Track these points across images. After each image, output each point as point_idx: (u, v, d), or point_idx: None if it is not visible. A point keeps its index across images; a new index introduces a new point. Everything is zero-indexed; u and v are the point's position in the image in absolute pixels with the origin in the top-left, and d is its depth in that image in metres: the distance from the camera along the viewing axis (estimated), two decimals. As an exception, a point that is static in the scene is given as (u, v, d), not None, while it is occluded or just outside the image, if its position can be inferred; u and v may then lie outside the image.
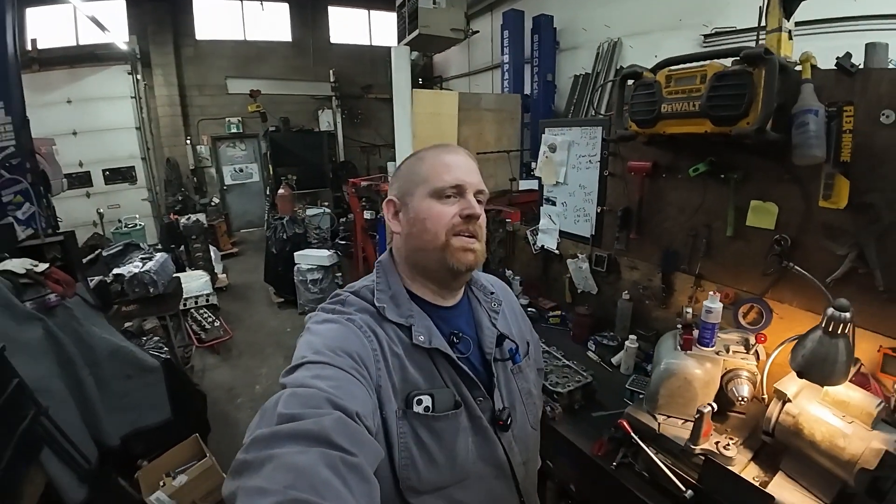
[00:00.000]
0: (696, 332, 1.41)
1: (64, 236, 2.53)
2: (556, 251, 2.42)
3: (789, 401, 1.13)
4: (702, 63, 1.41)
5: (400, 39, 6.60)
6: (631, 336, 1.91)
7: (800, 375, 1.08)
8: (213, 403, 3.44)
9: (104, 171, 8.09)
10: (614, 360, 1.98)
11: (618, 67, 5.68)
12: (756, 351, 1.35)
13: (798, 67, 1.32)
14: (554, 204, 2.41)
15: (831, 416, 1.06)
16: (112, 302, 3.09)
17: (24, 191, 3.00)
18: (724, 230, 1.64)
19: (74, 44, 7.75)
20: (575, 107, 6.15)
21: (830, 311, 1.01)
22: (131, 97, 8.05)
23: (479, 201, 0.86)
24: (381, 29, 10.34)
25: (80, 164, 7.72)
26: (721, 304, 1.36)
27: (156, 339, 2.77)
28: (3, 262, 2.08)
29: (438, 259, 0.83)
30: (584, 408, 1.67)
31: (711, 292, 1.40)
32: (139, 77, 8.07)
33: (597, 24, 5.95)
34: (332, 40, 10.02)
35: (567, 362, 1.82)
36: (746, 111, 1.27)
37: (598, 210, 2.15)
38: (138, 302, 3.35)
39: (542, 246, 2.49)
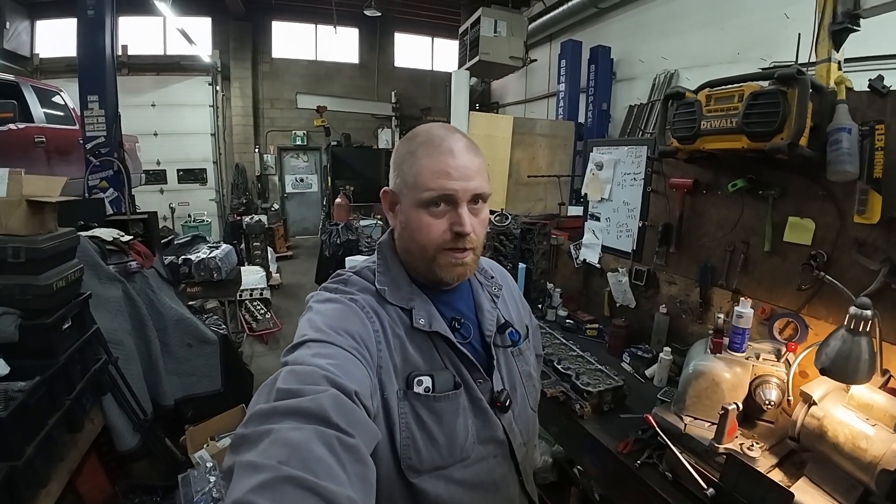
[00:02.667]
0: (726, 339, 1.45)
1: (147, 215, 2.86)
2: (598, 265, 2.48)
3: (815, 403, 1.15)
4: (740, 84, 1.48)
5: (461, 65, 6.93)
6: (666, 348, 1.94)
7: (823, 373, 1.11)
8: (258, 385, 3.66)
9: (178, 170, 8.90)
10: (648, 371, 2.00)
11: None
12: (787, 360, 1.37)
13: (833, 88, 1.38)
14: (598, 220, 2.49)
15: (855, 418, 1.08)
16: (180, 281, 3.41)
17: (109, 177, 3.39)
18: (762, 246, 1.67)
19: (162, 53, 8.69)
20: (629, 136, 6.18)
21: (853, 309, 1.05)
22: (209, 106, 8.88)
23: (477, 201, 0.80)
24: (443, 55, 10.85)
25: (158, 163, 8.52)
26: (752, 311, 1.40)
27: (215, 317, 3.04)
28: (94, 230, 2.40)
29: (427, 268, 0.82)
30: (613, 410, 1.71)
31: (743, 298, 1.44)
32: (218, 88, 8.91)
33: (654, 56, 6.02)
34: (396, 64, 10.62)
35: (600, 366, 1.87)
36: (780, 127, 1.33)
37: (640, 225, 2.21)
38: (202, 285, 3.67)
39: (585, 260, 2.56)
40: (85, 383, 1.90)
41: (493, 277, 0.98)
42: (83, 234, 2.36)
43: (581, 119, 6.73)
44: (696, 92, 1.71)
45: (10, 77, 4.14)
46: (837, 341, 1.07)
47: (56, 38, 7.93)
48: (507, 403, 0.85)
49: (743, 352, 1.40)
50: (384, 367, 0.75)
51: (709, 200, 1.92)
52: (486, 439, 0.82)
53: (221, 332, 2.89)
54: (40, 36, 8.12)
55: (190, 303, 3.44)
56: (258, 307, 4.92)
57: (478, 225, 0.80)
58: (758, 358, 1.37)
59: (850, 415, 1.11)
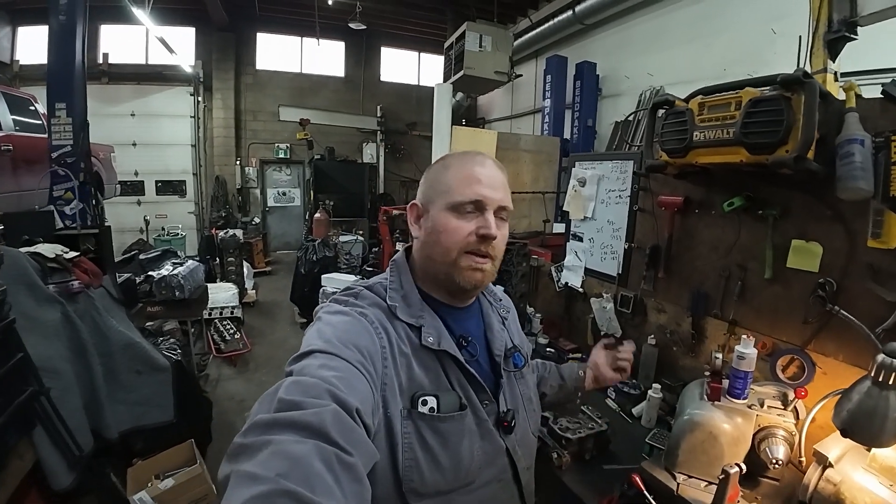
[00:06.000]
0: (725, 382, 1.27)
1: (99, 230, 2.63)
2: (581, 289, 2.31)
3: (830, 466, 0.97)
4: (737, 91, 1.33)
5: (446, 80, 6.83)
6: (655, 385, 1.76)
7: (844, 434, 0.93)
8: (221, 413, 3.41)
9: (157, 182, 8.61)
10: (635, 410, 1.82)
11: (659, 115, 5.64)
12: (795, 407, 1.19)
13: (842, 96, 1.23)
14: (581, 240, 2.32)
15: (878, 484, 0.90)
16: (138, 300, 3.17)
17: (74, 188, 3.19)
18: (761, 272, 1.50)
19: (144, 62, 8.47)
20: (615, 151, 6.11)
21: (881, 357, 0.87)
22: (190, 116, 8.64)
23: (501, 218, 0.85)
24: (430, 70, 10.79)
25: (136, 174, 8.24)
26: (755, 350, 1.22)
27: (172, 340, 2.80)
28: (36, 245, 2.17)
29: (446, 273, 0.83)
30: (596, 458, 1.52)
31: (745, 336, 1.27)
32: (200, 99, 8.68)
33: (640, 72, 5.99)
34: (382, 78, 10.53)
35: (581, 407, 1.69)
36: (784, 138, 1.18)
37: (626, 247, 2.05)
38: (164, 304, 3.42)
39: (566, 283, 2.39)
40: (6, 417, 1.66)
41: (501, 300, 1.01)
42: (24, 249, 2.13)
43: (567, 135, 6.65)
44: (687, 100, 1.56)
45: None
46: (861, 395, 0.90)
47: (38, 45, 7.65)
48: (513, 424, 0.85)
49: (745, 398, 1.22)
50: (389, 384, 0.74)
51: (701, 220, 1.76)
52: (491, 462, 0.82)
53: (176, 357, 2.64)
54: (21, 42, 7.87)
55: (148, 324, 3.20)
56: (228, 327, 4.66)
57: (500, 237, 0.83)
58: (762, 405, 1.19)
59: (871, 480, 0.93)
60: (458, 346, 0.83)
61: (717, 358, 1.32)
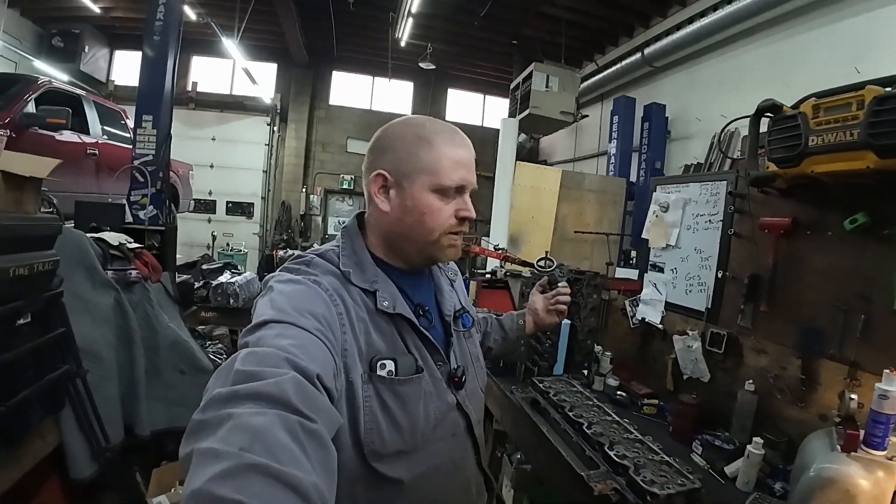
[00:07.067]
0: (862, 432, 1.03)
1: (165, 228, 2.69)
2: (660, 326, 2.04)
3: None
4: (856, 90, 1.15)
5: (508, 118, 6.86)
6: (755, 440, 1.45)
7: None
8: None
9: (228, 202, 9.17)
10: (728, 469, 1.51)
11: (733, 157, 5.33)
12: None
13: None
14: (661, 271, 2.08)
15: None
16: (193, 302, 3.20)
17: (151, 195, 3.35)
18: (889, 303, 1.25)
19: (228, 92, 9.28)
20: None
21: None
22: (265, 144, 9.25)
23: (471, 193, 0.88)
24: (493, 112, 10.97)
25: (210, 193, 8.84)
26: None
27: (220, 345, 2.76)
28: (102, 233, 2.21)
29: (422, 250, 0.85)
30: (685, 522, 1.24)
31: (887, 370, 1.01)
32: (275, 128, 9.32)
33: (711, 114, 5.70)
34: (447, 118, 10.80)
35: (667, 458, 1.42)
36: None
37: (718, 277, 1.79)
38: (217, 310, 3.45)
39: (643, 319, 2.13)
40: (32, 391, 1.62)
41: (448, 264, 1.03)
42: (89, 234, 2.19)
43: (633, 178, 6.40)
44: (794, 106, 1.37)
45: (75, 90, 4.32)
46: None
47: (131, 68, 8.55)
48: (464, 380, 0.89)
49: (884, 449, 0.99)
50: (349, 350, 0.74)
51: (813, 244, 1.51)
52: (444, 417, 0.84)
53: (221, 362, 2.59)
54: (118, 64, 8.83)
55: (199, 327, 3.20)
56: (275, 343, 4.65)
57: None
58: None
59: None
60: (416, 314, 0.84)
61: (851, 399, 1.11)
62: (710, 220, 1.86)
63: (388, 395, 0.76)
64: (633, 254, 6.24)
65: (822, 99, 1.27)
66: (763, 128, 1.48)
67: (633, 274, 5.10)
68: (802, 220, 1.51)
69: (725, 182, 1.79)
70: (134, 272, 2.21)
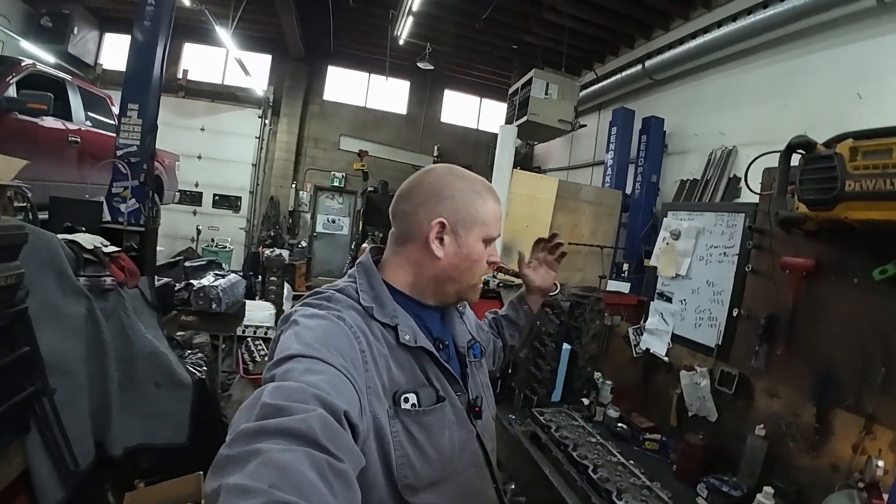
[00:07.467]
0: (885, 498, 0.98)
1: (145, 229, 2.53)
2: (665, 358, 1.96)
3: None
4: None
5: (506, 124, 6.77)
6: (766, 489, 1.39)
7: None
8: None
9: (215, 195, 8.91)
10: (736, 518, 1.44)
11: (731, 176, 5.31)
12: None
13: None
14: (669, 300, 2.00)
15: None
16: (173, 306, 3.04)
17: (133, 188, 3.17)
18: None
19: (220, 82, 8.98)
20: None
21: None
22: (256, 137, 9.01)
23: None
24: (489, 116, 10.88)
25: (196, 185, 8.57)
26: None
27: (199, 355, 2.61)
28: (76, 234, 2.06)
29: (460, 291, 0.91)
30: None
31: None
32: (267, 122, 9.06)
33: (710, 131, 5.72)
34: (443, 119, 10.69)
35: (671, 505, 1.33)
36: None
37: (734, 315, 1.70)
38: (199, 314, 3.29)
39: (647, 349, 2.04)
40: None
41: None
42: (61, 236, 2.03)
43: (628, 190, 6.36)
44: (828, 144, 1.30)
45: (59, 73, 4.10)
46: None
47: (121, 52, 8.25)
48: (480, 410, 0.91)
49: None
50: (372, 387, 0.74)
51: (836, 289, 1.44)
52: (465, 448, 0.86)
53: (200, 374, 2.45)
54: (107, 48, 8.49)
55: (178, 333, 3.04)
56: (260, 348, 4.49)
57: None
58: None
59: None
60: (436, 347, 0.87)
61: (878, 467, 1.05)
62: (724, 253, 1.78)
63: (415, 426, 0.77)
64: (626, 266, 6.21)
65: (860, 141, 1.19)
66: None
67: (624, 287, 5.10)
68: (827, 262, 1.44)
69: (744, 215, 1.71)
70: (109, 279, 2.06)
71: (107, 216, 2.62)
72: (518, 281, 1.35)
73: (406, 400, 0.77)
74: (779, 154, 1.38)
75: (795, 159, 1.38)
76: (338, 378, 0.65)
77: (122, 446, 2.17)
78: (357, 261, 0.93)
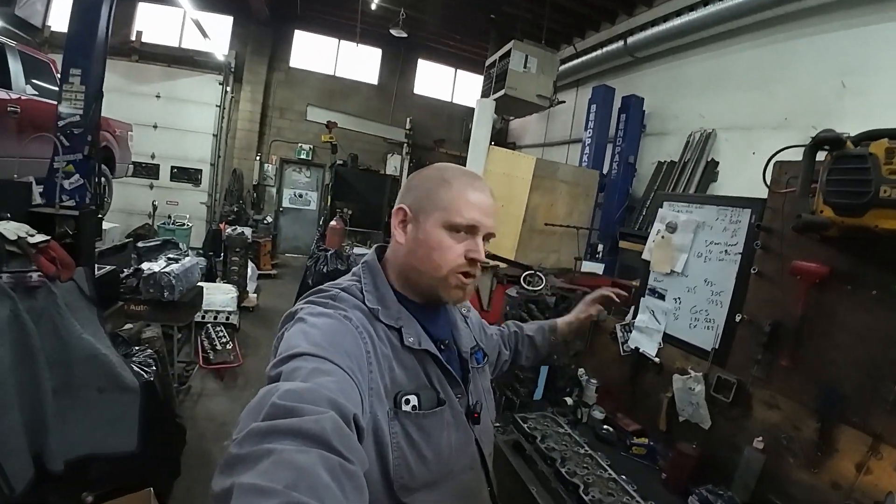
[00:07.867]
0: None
1: (80, 212, 2.22)
2: (656, 359, 1.85)
3: None
4: None
5: (483, 98, 6.51)
6: (764, 509, 1.30)
7: None
8: (197, 437, 2.96)
9: (173, 168, 8.35)
10: (730, 536, 1.35)
11: (709, 159, 5.28)
12: None
13: None
14: (662, 298, 1.87)
15: None
16: (119, 297, 2.75)
17: (77, 161, 2.82)
18: None
19: (177, 45, 8.28)
20: (655, 193, 5.71)
21: None
22: (216, 105, 8.41)
23: (487, 239, 0.89)
24: (464, 88, 10.54)
25: (152, 157, 8.01)
26: None
27: (149, 352, 2.36)
28: None
29: (432, 286, 0.86)
30: None
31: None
32: (228, 89, 8.48)
33: (690, 113, 5.66)
34: (416, 90, 10.28)
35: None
36: None
37: (736, 320, 1.59)
38: (149, 304, 3.00)
39: (636, 348, 1.93)
40: None
41: None
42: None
43: (605, 170, 6.26)
44: (857, 142, 1.16)
45: (-2, 38, 3.63)
46: None
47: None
48: (479, 416, 0.92)
49: None
50: (374, 388, 0.74)
51: (851, 300, 1.32)
52: (463, 451, 0.87)
53: (149, 376, 2.20)
54: (56, 9, 7.68)
55: (126, 326, 2.76)
56: (220, 334, 4.22)
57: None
58: None
59: None
60: (438, 349, 0.87)
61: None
62: (726, 251, 1.65)
63: (413, 429, 0.77)
64: (601, 247, 6.17)
65: (896, 141, 1.05)
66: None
67: (598, 268, 5.04)
68: (842, 270, 1.32)
69: (750, 211, 1.58)
70: (36, 274, 1.77)
71: (37, 198, 2.29)
72: (492, 263, 1.32)
73: (407, 402, 0.78)
74: (800, 149, 1.23)
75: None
76: (345, 380, 0.65)
77: (63, 459, 1.94)
78: (363, 260, 0.94)
